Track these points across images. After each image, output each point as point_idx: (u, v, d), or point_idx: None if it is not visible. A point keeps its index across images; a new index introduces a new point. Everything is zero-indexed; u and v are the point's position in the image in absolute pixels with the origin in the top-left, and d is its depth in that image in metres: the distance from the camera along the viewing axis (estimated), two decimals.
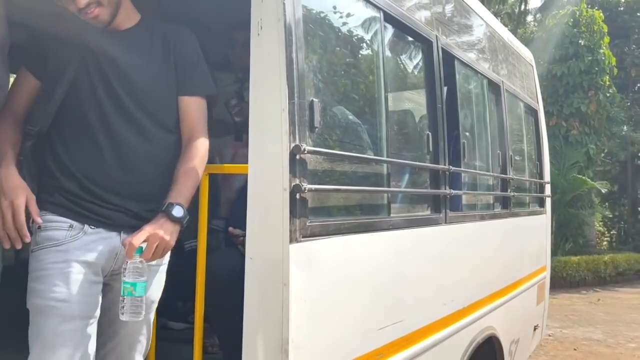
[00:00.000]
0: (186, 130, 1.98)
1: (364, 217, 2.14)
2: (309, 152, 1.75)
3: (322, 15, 2.04)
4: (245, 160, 2.92)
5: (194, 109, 1.99)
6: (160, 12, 2.37)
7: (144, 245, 1.77)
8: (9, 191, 1.70)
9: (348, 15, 2.17)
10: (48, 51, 1.91)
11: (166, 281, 2.06)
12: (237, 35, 2.90)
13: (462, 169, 3.01)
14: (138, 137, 1.90)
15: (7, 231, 1.70)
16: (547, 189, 4.99)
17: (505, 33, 4.31)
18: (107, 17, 1.86)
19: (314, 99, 1.81)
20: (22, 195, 1.71)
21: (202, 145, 1.97)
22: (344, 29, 2.20)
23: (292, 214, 1.68)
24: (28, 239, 1.72)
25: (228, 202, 2.99)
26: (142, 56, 1.93)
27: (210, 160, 2.91)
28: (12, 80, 2.07)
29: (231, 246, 2.58)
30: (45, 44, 1.91)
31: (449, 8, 3.15)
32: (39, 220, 1.75)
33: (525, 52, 4.87)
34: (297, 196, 1.70)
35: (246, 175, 1.77)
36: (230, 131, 3.02)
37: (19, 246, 1.72)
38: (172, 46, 1.97)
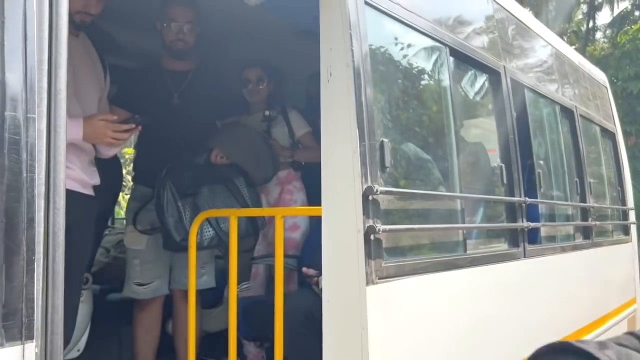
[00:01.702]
0: None
1: (440, 255, 2.10)
2: (382, 192, 1.75)
3: (389, 56, 2.07)
4: (292, 195, 3.05)
5: None
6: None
7: None
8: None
9: (414, 53, 2.19)
10: None
11: (243, 320, 2.11)
12: (249, 74, 3.01)
13: (538, 199, 2.90)
14: None
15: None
16: (632, 215, 4.70)
17: (574, 56, 4.18)
18: None
19: (384, 139, 1.82)
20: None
21: None
22: (411, 68, 2.21)
23: (367, 255, 1.68)
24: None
25: (298, 242, 3.02)
26: None
27: (257, 202, 3.03)
28: None
29: (306, 286, 2.59)
30: None
31: (514, 36, 3.10)
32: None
33: (597, 73, 4.68)
34: (372, 237, 1.69)
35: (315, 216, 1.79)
36: None
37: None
38: None
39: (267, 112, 2.99)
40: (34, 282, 0.95)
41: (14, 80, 0.95)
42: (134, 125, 2.09)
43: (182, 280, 2.69)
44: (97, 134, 2.02)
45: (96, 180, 2.22)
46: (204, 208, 2.55)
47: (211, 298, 2.98)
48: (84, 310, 2.53)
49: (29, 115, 0.97)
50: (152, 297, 2.70)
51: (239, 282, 2.59)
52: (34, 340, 0.95)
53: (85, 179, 2.12)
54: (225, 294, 2.71)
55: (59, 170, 1.04)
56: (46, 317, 0.99)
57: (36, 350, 0.95)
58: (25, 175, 0.96)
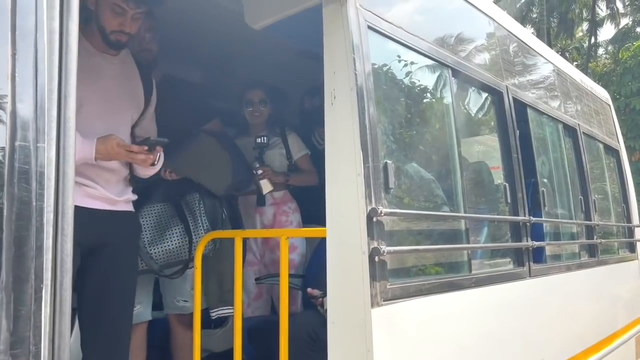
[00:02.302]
0: None
1: (445, 276, 2.10)
2: (386, 214, 1.75)
3: (392, 79, 2.09)
4: (287, 216, 3.02)
5: None
6: None
7: None
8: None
9: (417, 75, 2.21)
10: None
11: (247, 341, 2.11)
12: (251, 95, 3.02)
13: (543, 218, 2.90)
14: None
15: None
16: (638, 233, 4.68)
17: (576, 74, 4.20)
18: None
19: (388, 161, 1.83)
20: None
21: None
22: (413, 90, 2.23)
23: (372, 277, 1.68)
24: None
25: (296, 263, 3.01)
26: None
27: (252, 221, 3.00)
28: None
29: (310, 307, 2.58)
30: None
31: (516, 55, 3.13)
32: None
33: (600, 91, 4.70)
34: (376, 259, 1.70)
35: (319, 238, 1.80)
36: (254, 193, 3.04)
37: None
38: None
39: (258, 140, 2.98)
40: (41, 310, 0.96)
41: (24, 110, 0.97)
42: (145, 148, 2.04)
43: (175, 305, 2.68)
44: (110, 152, 2.00)
45: (127, 196, 2.19)
46: (147, 229, 2.51)
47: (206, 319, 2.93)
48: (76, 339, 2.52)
49: (38, 144, 0.99)
50: (135, 322, 2.65)
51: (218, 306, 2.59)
52: None
53: (112, 197, 2.10)
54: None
55: (67, 197, 1.05)
56: (53, 344, 1.00)
57: None
58: (34, 204, 0.97)
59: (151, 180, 2.54)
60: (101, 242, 2.08)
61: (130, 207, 2.24)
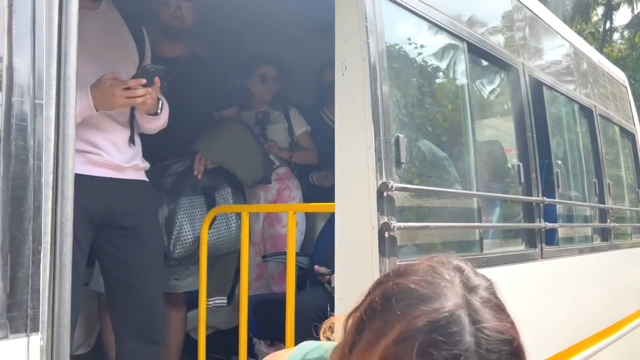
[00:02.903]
0: None
1: (456, 254, 2.05)
2: (397, 189, 1.70)
3: (405, 50, 2.02)
4: (290, 192, 2.98)
5: None
6: None
7: None
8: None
9: (431, 48, 2.14)
10: None
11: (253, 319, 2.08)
12: (265, 70, 2.95)
13: (556, 200, 2.84)
14: None
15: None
16: None
17: (594, 54, 4.10)
18: None
19: (400, 135, 1.78)
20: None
21: None
22: (428, 63, 2.17)
23: (382, 252, 1.64)
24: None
25: (310, 240, 2.99)
26: None
27: (257, 197, 2.95)
28: None
29: (317, 284, 2.56)
30: None
31: (533, 33, 3.04)
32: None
33: (617, 73, 4.59)
34: (386, 234, 1.65)
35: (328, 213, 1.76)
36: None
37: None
38: None
39: (259, 115, 2.93)
40: (39, 273, 0.93)
41: (21, 65, 0.93)
42: (144, 81, 1.80)
43: (167, 284, 2.55)
44: (105, 95, 1.79)
45: (136, 161, 2.03)
46: (181, 222, 2.42)
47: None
48: (94, 305, 2.51)
49: (36, 101, 0.95)
50: None
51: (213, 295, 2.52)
52: (39, 333, 0.92)
53: (119, 164, 1.95)
54: (236, 292, 2.68)
55: (68, 158, 1.01)
56: (53, 309, 0.97)
57: (41, 343, 0.93)
58: (32, 162, 0.93)
59: (180, 173, 2.47)
60: (113, 214, 1.94)
61: (142, 176, 2.08)
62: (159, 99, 1.96)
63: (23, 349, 0.90)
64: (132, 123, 2.04)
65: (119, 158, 1.97)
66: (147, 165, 2.11)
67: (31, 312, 0.90)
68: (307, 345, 0.91)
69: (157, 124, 2.06)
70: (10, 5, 0.90)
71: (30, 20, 0.95)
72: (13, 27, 0.92)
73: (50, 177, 0.98)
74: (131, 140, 2.03)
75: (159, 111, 1.99)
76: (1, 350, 0.87)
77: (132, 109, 2.01)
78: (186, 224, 2.44)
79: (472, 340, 0.65)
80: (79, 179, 1.74)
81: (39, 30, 0.96)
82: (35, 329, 0.91)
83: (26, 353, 0.91)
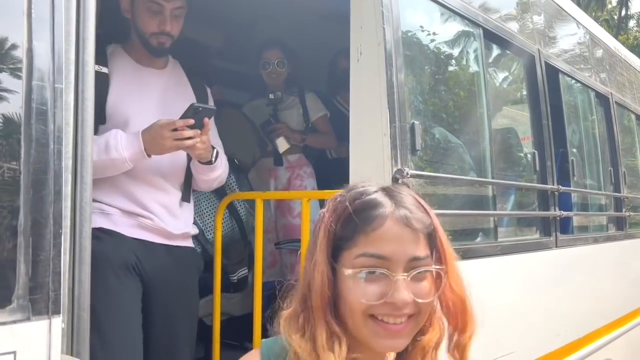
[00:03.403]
0: None
1: (469, 242, 2.04)
2: (412, 175, 1.70)
3: (421, 36, 2.00)
4: (302, 181, 2.96)
5: None
6: None
7: None
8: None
9: (447, 34, 2.12)
10: None
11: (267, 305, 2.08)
12: (269, 55, 2.93)
13: (572, 188, 2.81)
14: None
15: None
16: None
17: (611, 41, 4.03)
18: None
19: (415, 122, 1.76)
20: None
21: None
22: (443, 49, 2.14)
23: None
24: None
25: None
26: None
27: (266, 185, 2.94)
28: None
29: None
30: None
31: (549, 19, 3.00)
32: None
33: (635, 60, 4.52)
34: None
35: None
36: (269, 155, 2.97)
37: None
38: None
39: (271, 96, 2.89)
40: (60, 256, 0.94)
41: (41, 49, 0.93)
42: (191, 121, 1.70)
43: None
44: (155, 137, 1.71)
45: (187, 229, 1.94)
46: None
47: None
48: None
49: (56, 85, 0.95)
50: None
51: None
52: (61, 315, 0.93)
53: (170, 231, 1.86)
54: (250, 279, 2.69)
55: (87, 143, 1.01)
56: (73, 292, 0.98)
57: (63, 325, 0.94)
58: (52, 147, 0.94)
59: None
60: (159, 277, 1.87)
61: (189, 243, 2.01)
62: (213, 147, 1.87)
63: (45, 331, 0.91)
64: (187, 181, 1.96)
65: (169, 224, 1.89)
66: (196, 231, 2.06)
67: (53, 294, 0.91)
68: (265, 342, 0.92)
69: (212, 175, 1.95)
70: None
71: (50, 4, 0.95)
72: (32, 10, 0.92)
73: (70, 162, 0.98)
74: (184, 199, 1.95)
75: (212, 159, 1.87)
76: (24, 332, 0.88)
77: (188, 164, 1.94)
78: (196, 217, 2.45)
79: (391, 202, 0.88)
80: (129, 240, 1.78)
81: (57, 14, 0.96)
82: (56, 312, 0.92)
83: (48, 335, 0.92)
